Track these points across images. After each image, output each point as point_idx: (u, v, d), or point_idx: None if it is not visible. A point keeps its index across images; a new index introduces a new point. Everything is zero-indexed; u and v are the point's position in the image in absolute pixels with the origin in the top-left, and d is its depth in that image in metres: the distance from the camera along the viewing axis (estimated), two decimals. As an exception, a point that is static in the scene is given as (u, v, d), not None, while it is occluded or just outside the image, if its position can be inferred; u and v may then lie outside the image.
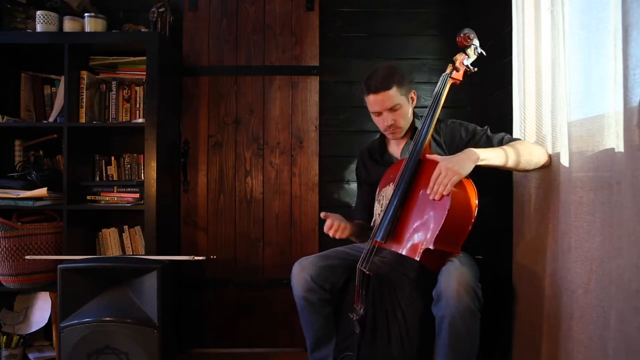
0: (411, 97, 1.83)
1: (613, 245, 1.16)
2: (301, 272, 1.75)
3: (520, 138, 1.71)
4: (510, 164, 1.55)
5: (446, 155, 1.70)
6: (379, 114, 1.80)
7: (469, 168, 1.49)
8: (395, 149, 1.93)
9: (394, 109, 1.76)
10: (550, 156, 1.57)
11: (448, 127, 1.81)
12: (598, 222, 1.25)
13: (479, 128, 1.77)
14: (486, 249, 1.83)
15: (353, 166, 2.54)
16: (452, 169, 1.46)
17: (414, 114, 1.90)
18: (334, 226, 1.75)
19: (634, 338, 1.04)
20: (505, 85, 1.99)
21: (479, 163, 1.51)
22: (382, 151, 1.97)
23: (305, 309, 1.77)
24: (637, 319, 1.03)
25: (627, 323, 1.07)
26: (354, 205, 2.39)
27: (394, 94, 1.74)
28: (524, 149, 1.57)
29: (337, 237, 1.77)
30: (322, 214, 1.80)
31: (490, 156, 1.53)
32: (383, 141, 1.98)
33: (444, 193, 1.46)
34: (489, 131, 1.74)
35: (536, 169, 1.60)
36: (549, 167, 1.57)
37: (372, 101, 1.77)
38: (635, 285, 1.04)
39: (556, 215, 1.47)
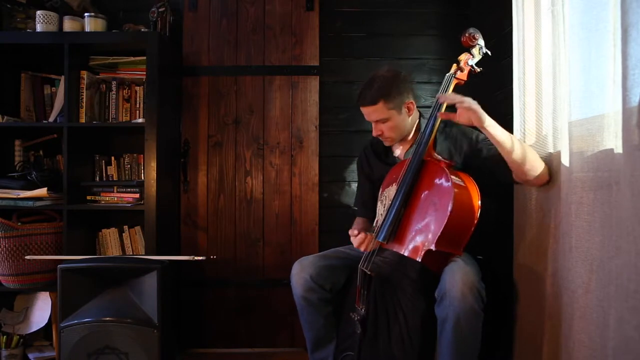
0: (407, 108, 1.79)
1: (612, 245, 1.16)
2: (301, 272, 1.75)
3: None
4: (514, 150, 1.51)
5: (455, 160, 1.71)
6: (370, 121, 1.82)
7: (483, 115, 1.50)
8: (399, 149, 1.91)
9: (380, 121, 1.77)
10: (549, 175, 1.55)
11: (460, 131, 1.80)
12: (598, 222, 1.25)
13: (488, 139, 1.74)
14: (486, 248, 1.83)
15: (353, 166, 2.54)
16: (474, 105, 1.49)
17: (420, 115, 1.89)
18: (367, 243, 1.68)
19: (633, 338, 1.04)
20: (505, 85, 1.99)
21: (486, 126, 1.51)
22: (387, 150, 1.96)
23: (305, 308, 1.77)
24: (635, 319, 1.03)
25: (625, 323, 1.07)
26: (353, 205, 2.39)
27: (379, 109, 1.74)
28: (529, 148, 1.56)
29: (368, 250, 1.69)
30: (354, 232, 1.70)
31: (498, 129, 1.52)
32: None
33: (455, 100, 1.50)
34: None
35: (536, 183, 1.58)
36: (549, 169, 1.56)
37: (362, 111, 1.80)
38: (633, 285, 1.04)
39: (558, 215, 1.47)
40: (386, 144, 1.87)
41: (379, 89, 1.73)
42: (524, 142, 1.72)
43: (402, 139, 1.86)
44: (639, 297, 1.02)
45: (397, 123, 1.78)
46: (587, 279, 1.28)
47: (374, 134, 1.82)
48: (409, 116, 1.81)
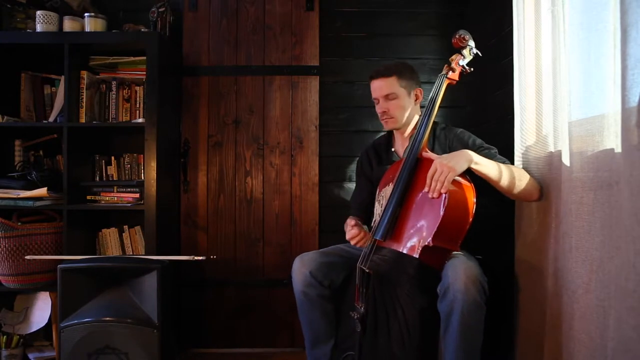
0: (415, 94, 1.88)
1: (612, 245, 1.16)
2: (301, 267, 1.77)
3: (523, 168, 1.70)
4: (501, 179, 1.56)
5: None
6: (377, 101, 1.87)
7: (463, 165, 1.51)
8: (400, 147, 1.94)
9: (389, 97, 1.83)
10: (540, 193, 1.59)
11: (456, 136, 1.82)
12: (598, 223, 1.25)
13: (485, 144, 1.77)
14: (486, 248, 1.83)
15: (353, 166, 2.54)
16: (447, 165, 1.48)
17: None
18: (360, 238, 1.73)
19: (632, 338, 1.04)
20: (505, 85, 1.99)
21: (472, 166, 1.52)
22: (388, 148, 1.99)
23: (305, 304, 1.78)
24: (634, 319, 1.03)
25: (624, 323, 1.06)
26: (350, 202, 2.39)
27: (391, 82, 1.82)
28: (518, 173, 1.59)
29: (359, 246, 1.75)
30: (352, 223, 1.76)
31: (484, 163, 1.55)
32: (389, 138, 2.00)
33: (442, 190, 1.47)
34: (493, 151, 1.74)
35: (524, 198, 1.63)
36: (549, 169, 1.56)
37: (372, 87, 1.87)
38: (632, 285, 1.03)
39: (558, 215, 1.47)
40: (387, 125, 1.89)
41: (395, 66, 1.85)
42: (520, 153, 1.73)
43: (402, 134, 1.90)
44: (637, 297, 1.02)
45: (404, 104, 1.84)
46: (588, 279, 1.28)
47: (379, 110, 1.87)
48: (415, 104, 1.88)
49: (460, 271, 1.44)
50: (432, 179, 1.50)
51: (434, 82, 2.51)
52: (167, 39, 2.37)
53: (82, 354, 1.84)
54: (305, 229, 2.53)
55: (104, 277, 1.91)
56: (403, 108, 1.84)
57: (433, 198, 1.49)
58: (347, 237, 1.77)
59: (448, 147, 1.81)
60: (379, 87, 1.84)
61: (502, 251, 1.89)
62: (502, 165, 1.59)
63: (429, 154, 1.60)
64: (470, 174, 1.56)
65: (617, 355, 1.11)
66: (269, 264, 2.53)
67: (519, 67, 1.74)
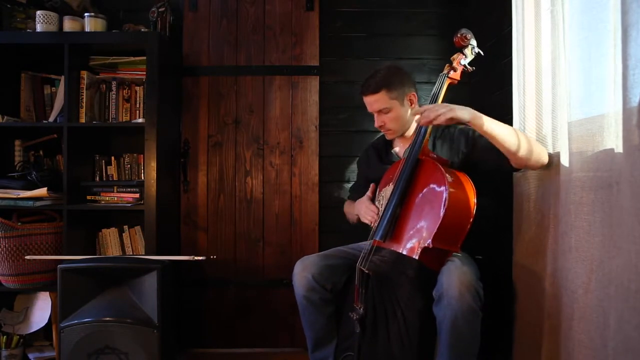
0: (409, 100, 1.83)
1: (613, 245, 1.16)
2: (303, 271, 1.75)
3: None
4: (511, 142, 1.50)
5: (448, 159, 1.71)
6: (373, 114, 1.85)
7: (464, 114, 1.49)
8: (401, 148, 1.93)
9: (382, 111, 1.81)
10: (550, 156, 1.56)
11: (458, 130, 1.80)
12: (598, 222, 1.25)
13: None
14: (486, 248, 1.83)
15: (353, 166, 2.54)
16: (448, 105, 1.49)
17: None
18: (373, 214, 1.76)
19: (633, 338, 1.04)
20: (505, 85, 1.99)
21: (485, 129, 1.50)
22: (387, 148, 1.99)
23: (307, 308, 1.77)
24: (635, 319, 1.03)
25: (625, 323, 1.07)
26: (349, 190, 2.38)
27: (381, 98, 1.78)
28: (528, 137, 1.56)
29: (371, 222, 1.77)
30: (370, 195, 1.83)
31: (493, 123, 1.51)
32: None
33: (433, 119, 1.48)
34: None
35: (535, 166, 1.57)
36: (549, 167, 1.56)
37: (365, 101, 1.85)
38: (634, 285, 1.04)
39: (556, 215, 1.47)
40: (388, 136, 1.89)
41: (382, 79, 1.79)
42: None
43: (403, 136, 1.88)
44: None
45: (399, 114, 1.81)
46: (587, 279, 1.28)
47: (376, 124, 1.85)
48: (412, 108, 1.85)
49: (454, 277, 1.43)
50: (427, 111, 1.50)
51: (433, 82, 2.54)
52: (167, 39, 2.37)
53: (82, 354, 1.84)
54: (305, 229, 2.53)
55: (104, 277, 1.91)
56: (398, 119, 1.82)
57: (421, 122, 1.51)
58: (363, 209, 1.79)
59: (449, 145, 1.79)
60: (369, 103, 1.82)
61: (502, 250, 1.89)
62: (511, 127, 1.53)
63: (434, 157, 1.58)
64: (473, 169, 1.54)
65: (618, 355, 1.11)
66: (269, 264, 2.52)
67: (518, 67, 1.75)
